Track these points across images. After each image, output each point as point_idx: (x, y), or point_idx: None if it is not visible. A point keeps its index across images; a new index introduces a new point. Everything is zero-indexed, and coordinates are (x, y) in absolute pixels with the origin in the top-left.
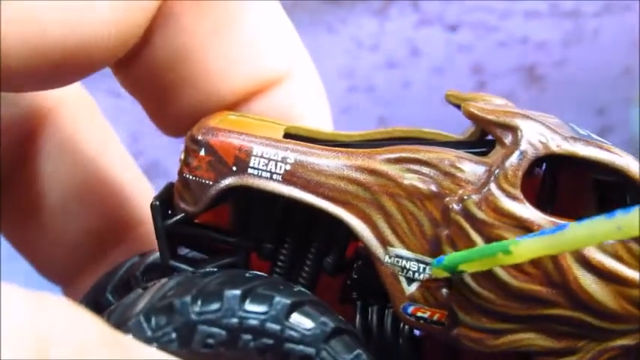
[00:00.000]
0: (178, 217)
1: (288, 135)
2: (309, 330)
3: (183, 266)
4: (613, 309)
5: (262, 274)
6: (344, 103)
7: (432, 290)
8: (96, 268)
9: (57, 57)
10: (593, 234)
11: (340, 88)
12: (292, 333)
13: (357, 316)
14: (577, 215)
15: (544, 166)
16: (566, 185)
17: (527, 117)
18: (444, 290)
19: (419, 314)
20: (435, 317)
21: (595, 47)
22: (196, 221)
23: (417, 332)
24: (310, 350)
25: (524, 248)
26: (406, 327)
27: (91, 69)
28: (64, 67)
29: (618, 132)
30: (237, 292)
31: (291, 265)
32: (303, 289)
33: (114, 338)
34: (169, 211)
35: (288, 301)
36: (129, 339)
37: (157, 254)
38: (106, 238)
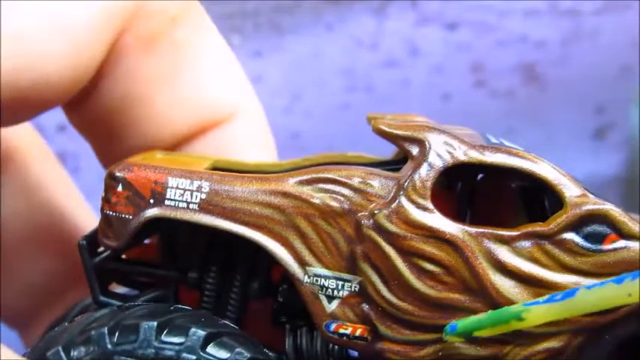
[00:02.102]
0: (105, 254)
1: (215, 168)
2: None
3: (113, 302)
4: None
5: (187, 307)
6: (343, 102)
7: (352, 306)
8: (51, 310)
9: (9, 95)
10: (602, 300)
11: (339, 86)
12: None
13: (287, 339)
14: (498, 222)
15: (460, 182)
16: (484, 195)
17: (435, 129)
18: (364, 305)
19: (341, 331)
20: (358, 332)
21: (594, 46)
22: (125, 257)
23: (351, 353)
24: None
25: (535, 315)
26: (336, 347)
27: (42, 108)
28: (16, 105)
29: (617, 131)
30: (154, 323)
31: (218, 293)
32: (224, 322)
33: None
34: (98, 250)
35: (204, 332)
36: None
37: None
38: (61, 279)
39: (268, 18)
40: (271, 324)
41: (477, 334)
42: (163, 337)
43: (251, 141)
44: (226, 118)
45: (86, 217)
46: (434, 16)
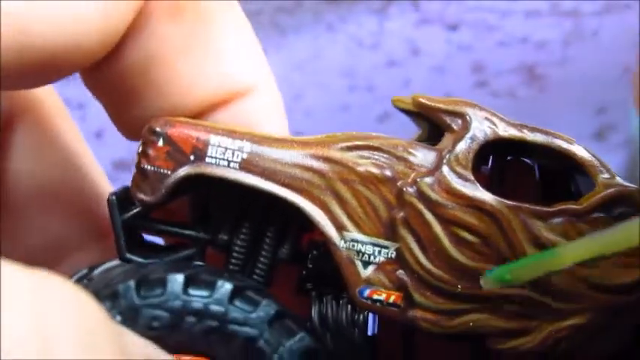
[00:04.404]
0: (134, 211)
1: None
2: (252, 312)
3: (139, 259)
4: (563, 288)
5: (207, 264)
6: (344, 102)
7: (387, 273)
8: (59, 270)
9: (40, 57)
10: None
11: (340, 86)
12: (236, 315)
13: (313, 307)
14: (524, 201)
15: (491, 161)
16: (512, 175)
17: (476, 105)
18: (400, 272)
19: (375, 297)
20: (391, 299)
21: (595, 47)
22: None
23: (370, 331)
24: (254, 332)
25: (569, 251)
26: (361, 317)
27: (72, 69)
28: (46, 67)
29: (618, 132)
30: (181, 276)
31: (247, 256)
32: (244, 277)
33: (110, 324)
34: (126, 208)
35: (231, 286)
36: (121, 327)
37: (110, 263)
38: (64, 245)
39: (269, 18)
40: (296, 292)
41: (511, 276)
42: (190, 290)
43: (269, 116)
44: (247, 92)
45: (100, 178)
46: (435, 16)
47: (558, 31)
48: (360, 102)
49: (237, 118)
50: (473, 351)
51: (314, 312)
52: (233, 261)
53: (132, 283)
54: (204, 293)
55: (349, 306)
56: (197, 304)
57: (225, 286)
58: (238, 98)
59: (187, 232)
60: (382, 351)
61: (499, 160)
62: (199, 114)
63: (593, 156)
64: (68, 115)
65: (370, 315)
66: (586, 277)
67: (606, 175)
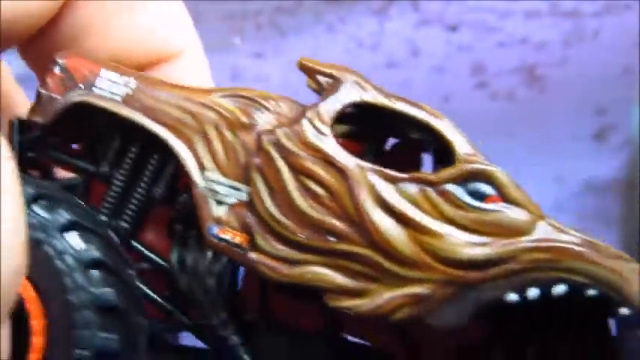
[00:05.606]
0: (32, 134)
1: None
2: (44, 218)
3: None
4: (406, 254)
5: (47, 182)
6: None
7: (237, 215)
8: None
9: None
10: None
11: None
12: (30, 219)
13: (174, 247)
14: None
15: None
16: (396, 151)
17: (354, 72)
18: (249, 215)
19: (222, 235)
20: (237, 240)
21: (595, 47)
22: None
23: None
24: (42, 236)
25: None
26: (218, 266)
27: (16, 39)
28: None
29: (618, 132)
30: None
31: (124, 190)
32: (70, 195)
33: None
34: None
35: (32, 191)
36: None
37: None
38: None
39: (269, 19)
40: (168, 234)
41: None
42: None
43: (194, 80)
44: (173, 56)
45: None
46: (435, 17)
47: (558, 32)
48: None
49: (167, 79)
50: (323, 310)
51: (174, 253)
52: (111, 193)
53: None
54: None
55: (210, 254)
56: None
57: (28, 191)
58: (164, 62)
59: (73, 161)
60: (241, 305)
61: (378, 141)
62: None
63: (459, 132)
64: (2, 64)
65: (235, 268)
66: (432, 247)
67: (468, 152)
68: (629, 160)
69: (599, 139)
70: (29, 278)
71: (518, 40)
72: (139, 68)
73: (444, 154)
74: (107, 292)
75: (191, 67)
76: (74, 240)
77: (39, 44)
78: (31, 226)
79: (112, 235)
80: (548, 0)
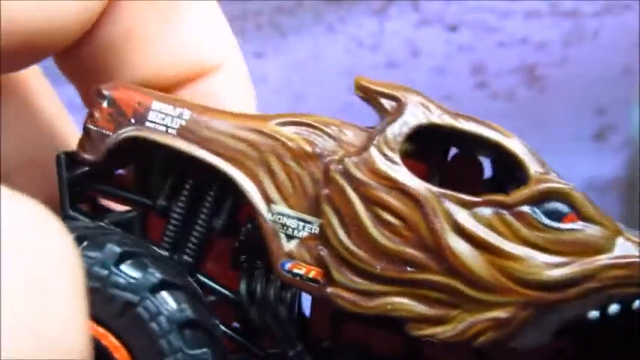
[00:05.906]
0: (81, 170)
1: None
2: (135, 279)
3: (81, 217)
4: (486, 279)
5: (117, 229)
6: (344, 103)
7: (309, 248)
8: None
9: (22, 39)
10: None
11: (340, 87)
12: (118, 279)
13: (242, 280)
14: (465, 190)
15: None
16: (457, 169)
17: (414, 91)
18: (321, 248)
19: (295, 270)
20: (311, 274)
21: (595, 47)
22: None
23: (300, 311)
24: (134, 297)
25: None
26: (289, 295)
27: (50, 52)
28: (28, 48)
29: (618, 132)
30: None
31: (183, 224)
32: (148, 245)
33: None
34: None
35: (119, 250)
36: None
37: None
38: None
39: (269, 19)
40: (231, 266)
41: None
42: (84, 251)
43: (235, 93)
44: (214, 69)
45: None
46: (435, 17)
47: (558, 32)
48: (360, 102)
49: (204, 94)
50: (405, 340)
51: (242, 285)
52: (169, 227)
53: None
54: (92, 254)
55: (278, 283)
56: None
57: (114, 250)
58: (205, 75)
59: (128, 195)
60: (313, 333)
61: (441, 156)
62: (167, 91)
63: (528, 150)
64: (48, 84)
65: (304, 296)
66: (511, 270)
67: (540, 170)
68: (629, 160)
69: (600, 139)
70: (123, 343)
71: (518, 40)
72: (178, 83)
73: (504, 160)
74: (203, 352)
75: (231, 81)
76: (166, 300)
77: (76, 53)
78: (121, 287)
79: (197, 288)
80: (548, 0)
